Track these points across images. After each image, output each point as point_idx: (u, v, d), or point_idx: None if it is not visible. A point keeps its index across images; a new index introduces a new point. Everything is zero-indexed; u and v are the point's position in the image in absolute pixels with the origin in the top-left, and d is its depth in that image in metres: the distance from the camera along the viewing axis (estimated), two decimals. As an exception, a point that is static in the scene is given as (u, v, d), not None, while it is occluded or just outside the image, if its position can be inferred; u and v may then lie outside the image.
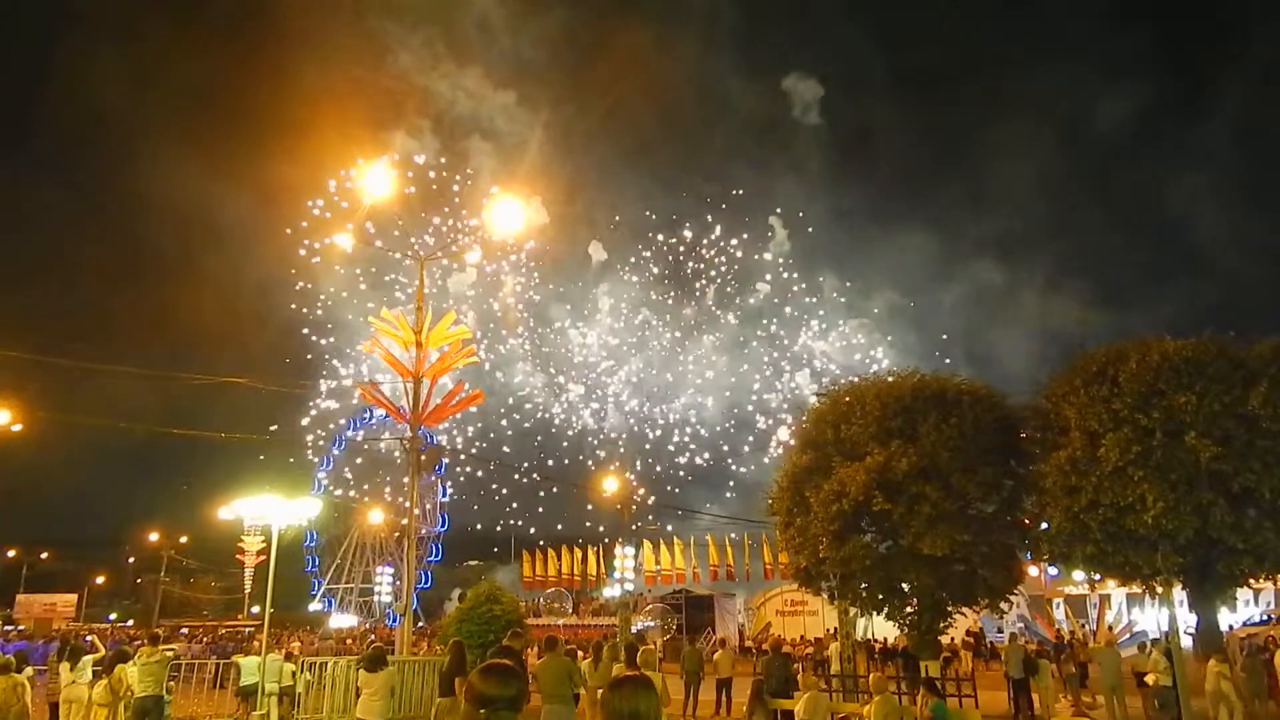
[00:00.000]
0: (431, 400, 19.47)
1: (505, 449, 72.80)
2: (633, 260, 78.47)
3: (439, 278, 65.54)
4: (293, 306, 68.03)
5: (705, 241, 79.94)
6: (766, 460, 67.75)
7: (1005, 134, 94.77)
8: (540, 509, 67.91)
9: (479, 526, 66.85)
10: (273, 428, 60.13)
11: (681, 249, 79.70)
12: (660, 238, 79.37)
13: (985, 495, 15.01)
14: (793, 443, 17.57)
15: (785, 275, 79.25)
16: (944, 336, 73.03)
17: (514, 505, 69.09)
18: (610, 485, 35.16)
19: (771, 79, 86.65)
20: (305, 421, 65.41)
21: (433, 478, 46.52)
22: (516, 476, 70.93)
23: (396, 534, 48.78)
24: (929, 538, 14.09)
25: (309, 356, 67.88)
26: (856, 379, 17.20)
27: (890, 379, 16.45)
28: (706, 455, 74.96)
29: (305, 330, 67.98)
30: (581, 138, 77.68)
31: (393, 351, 19.76)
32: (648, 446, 75.38)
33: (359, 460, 57.51)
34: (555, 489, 69.62)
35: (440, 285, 67.84)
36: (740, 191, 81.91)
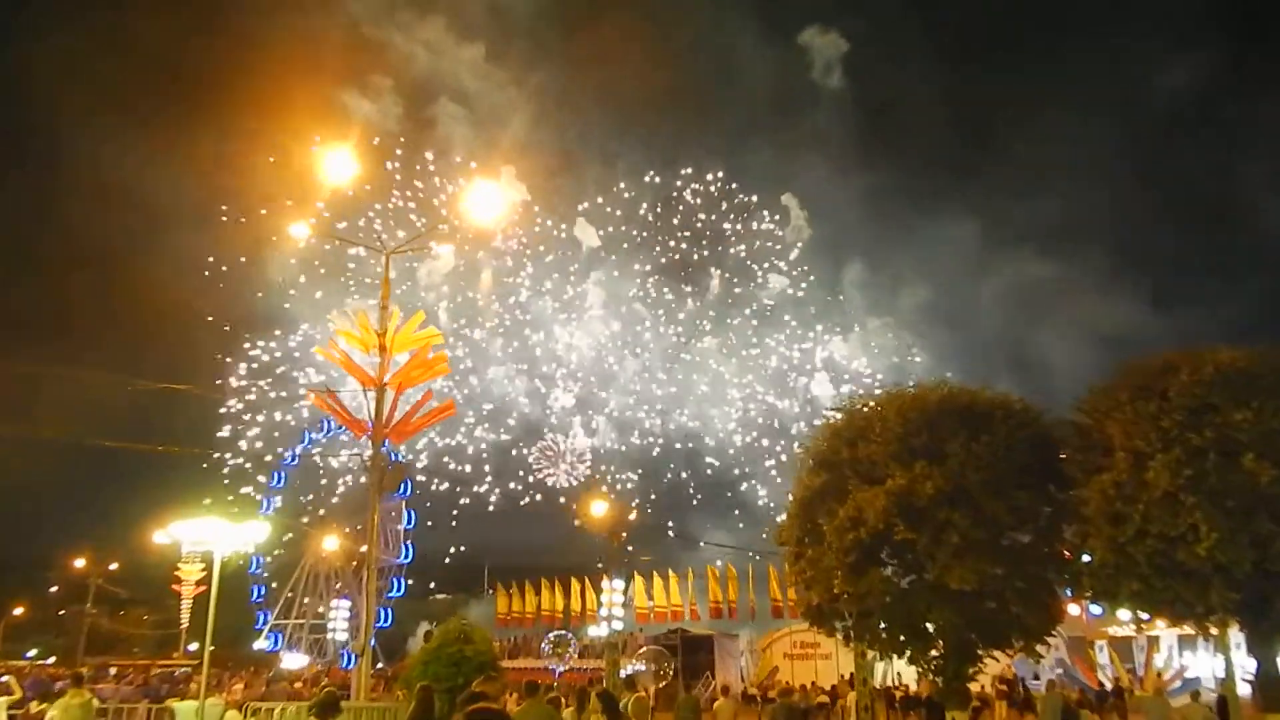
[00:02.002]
0: (396, 412, 19.48)
1: (475, 465, 72.57)
2: (625, 246, 77.99)
3: (407, 264, 64.92)
4: (221, 290, 67.41)
5: (710, 227, 79.55)
6: (773, 476, 67.92)
7: (1054, 109, 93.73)
8: (518, 536, 67.67)
9: (448, 555, 66.56)
10: (218, 453, 59.98)
11: (683, 234, 79.35)
12: (657, 220, 78.98)
13: (1020, 523, 15.03)
14: (807, 463, 17.57)
15: (802, 265, 78.86)
16: (981, 339, 72.74)
17: (487, 531, 68.92)
18: (599, 509, 35.17)
19: (788, 34, 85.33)
20: (253, 432, 65.42)
21: (397, 499, 46.46)
22: (492, 498, 70.98)
23: (354, 563, 48.66)
24: (956, 571, 14.09)
25: (254, 363, 67.56)
26: (890, 389, 17.20)
27: (913, 391, 16.50)
28: (709, 474, 74.78)
29: (246, 329, 67.62)
30: (567, 100, 76.39)
31: (352, 356, 19.78)
32: (644, 467, 75.02)
33: (324, 479, 57.56)
34: (535, 513, 69.52)
35: (409, 272, 67.24)
36: (751, 168, 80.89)
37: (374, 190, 67.60)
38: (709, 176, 79.32)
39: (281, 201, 61.00)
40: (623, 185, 77.70)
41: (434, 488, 67.78)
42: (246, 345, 66.94)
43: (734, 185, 79.37)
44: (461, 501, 69.91)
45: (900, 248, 79.52)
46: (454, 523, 67.91)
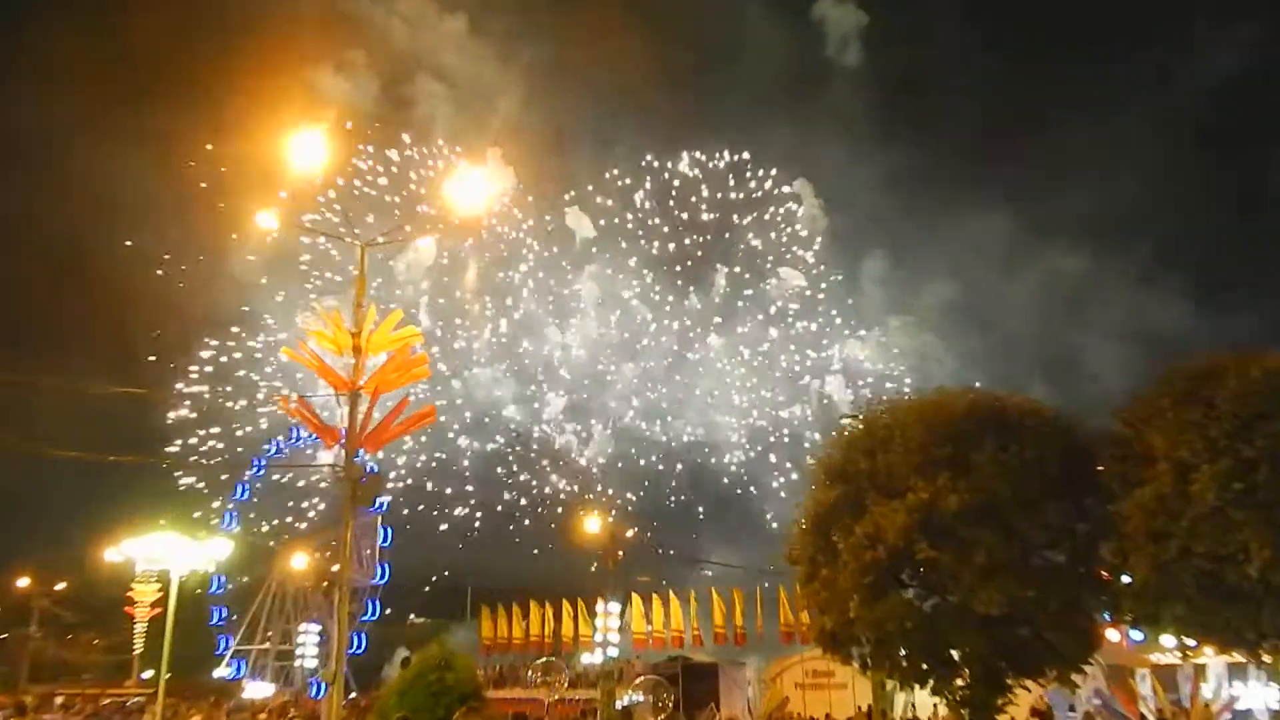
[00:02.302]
0: (371, 419, 19.46)
1: (458, 478, 72.61)
2: (622, 239, 77.91)
3: (382, 258, 64.81)
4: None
5: (716, 209, 79.42)
6: (783, 491, 67.95)
7: (1089, 90, 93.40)
8: (504, 555, 67.63)
9: (431, 580, 66.42)
10: (171, 467, 59.84)
11: (685, 224, 79.28)
12: (658, 209, 78.86)
13: (1053, 541, 15.06)
14: (820, 475, 17.59)
15: (817, 259, 78.83)
16: (1011, 340, 72.68)
17: (471, 549, 68.90)
18: (593, 525, 35.17)
19: (800, 6, 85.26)
20: (213, 444, 65.42)
21: (371, 514, 46.49)
22: (477, 514, 71.00)
23: (324, 584, 48.68)
24: (983, 593, 14.13)
25: (209, 365, 67.58)
26: (911, 394, 17.23)
27: (937, 397, 16.54)
28: (714, 487, 74.77)
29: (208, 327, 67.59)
30: (559, 79, 76.06)
31: (323, 357, 19.74)
32: (644, 480, 74.94)
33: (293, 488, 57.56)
34: (524, 529, 69.56)
35: (385, 268, 67.13)
36: (761, 152, 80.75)
37: (347, 177, 67.68)
38: (714, 162, 79.42)
39: (244, 193, 61.11)
40: (619, 171, 77.82)
41: (411, 504, 67.89)
42: (204, 352, 67.06)
43: (741, 160, 79.24)
44: (442, 527, 69.96)
45: (923, 240, 79.48)
46: (434, 540, 67.95)
